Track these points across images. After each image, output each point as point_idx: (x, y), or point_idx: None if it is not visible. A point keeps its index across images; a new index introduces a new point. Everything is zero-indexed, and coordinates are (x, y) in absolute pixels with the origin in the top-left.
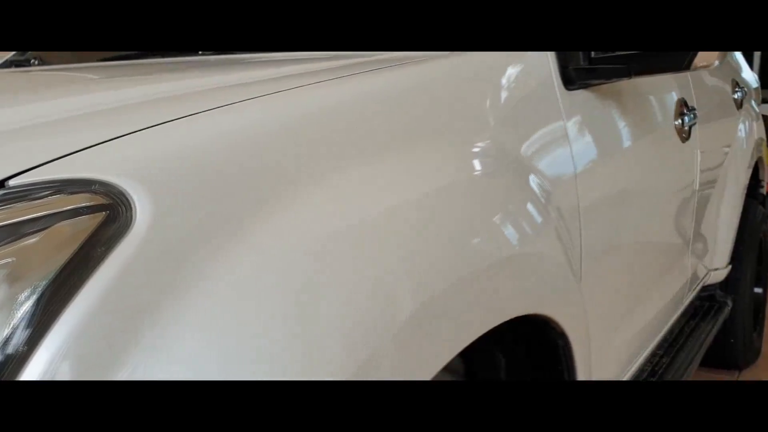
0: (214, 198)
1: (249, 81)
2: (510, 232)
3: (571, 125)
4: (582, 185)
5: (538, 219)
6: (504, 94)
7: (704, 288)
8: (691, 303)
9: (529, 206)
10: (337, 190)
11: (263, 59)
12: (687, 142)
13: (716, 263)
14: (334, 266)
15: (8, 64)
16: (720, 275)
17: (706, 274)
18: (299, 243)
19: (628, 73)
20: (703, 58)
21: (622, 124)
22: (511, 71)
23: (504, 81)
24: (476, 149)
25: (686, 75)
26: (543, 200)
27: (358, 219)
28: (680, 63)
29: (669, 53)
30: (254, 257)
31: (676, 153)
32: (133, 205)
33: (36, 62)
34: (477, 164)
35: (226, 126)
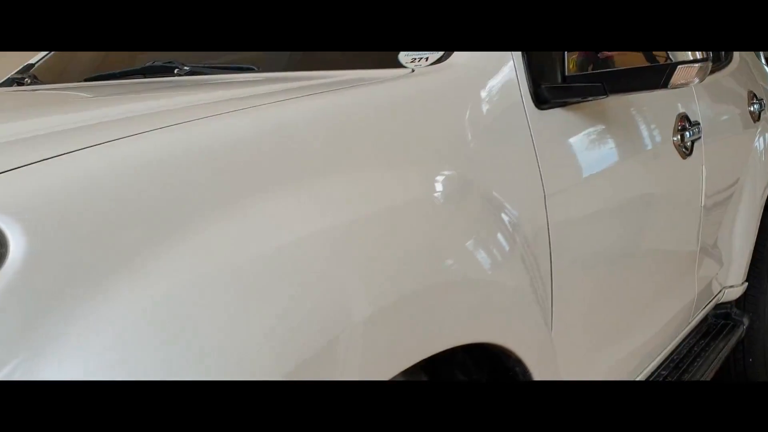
0: (104, 232)
1: (180, 106)
2: (459, 257)
3: (542, 146)
4: (553, 208)
5: (497, 244)
6: (464, 114)
7: (719, 305)
8: (704, 321)
9: (487, 230)
10: (251, 217)
11: (225, 81)
12: (689, 158)
13: (731, 280)
14: (240, 294)
15: (10, 82)
16: (735, 292)
17: (720, 291)
18: (196, 276)
19: (604, 91)
20: (681, 75)
21: (605, 143)
22: (474, 90)
23: (465, 100)
24: (430, 172)
25: (691, 89)
26: (504, 224)
27: (274, 245)
28: (657, 81)
29: (646, 70)
30: (146, 291)
31: (675, 170)
32: (6, 242)
33: (28, 81)
34: (428, 187)
35: (130, 155)
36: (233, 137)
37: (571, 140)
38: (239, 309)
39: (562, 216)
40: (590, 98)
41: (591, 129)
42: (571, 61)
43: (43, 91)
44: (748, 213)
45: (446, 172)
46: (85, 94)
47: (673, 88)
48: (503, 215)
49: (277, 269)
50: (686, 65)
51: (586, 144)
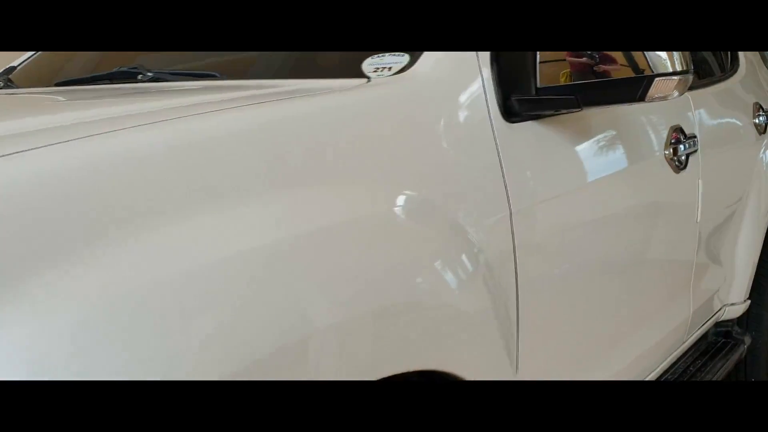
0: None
1: (99, 118)
2: (408, 280)
3: (510, 161)
4: (520, 226)
5: (455, 266)
6: (421, 128)
7: (719, 324)
8: (702, 339)
9: (443, 251)
10: (154, 238)
11: (175, 88)
12: (683, 172)
13: (733, 297)
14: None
15: None
16: (737, 310)
17: (721, 309)
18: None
19: (578, 104)
20: (659, 88)
21: (585, 157)
22: (435, 102)
23: (423, 113)
24: (375, 189)
25: (688, 101)
26: (463, 244)
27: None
28: (633, 94)
29: (621, 83)
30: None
31: (667, 184)
32: None
33: (1, 84)
34: (372, 204)
35: (29, 169)
36: (133, 153)
37: (546, 155)
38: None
39: (531, 234)
40: (564, 111)
41: (570, 143)
42: (564, 75)
43: (3, 95)
44: (751, 228)
45: (395, 189)
46: (42, 100)
47: (650, 102)
48: (463, 234)
49: (197, 291)
50: (664, 78)
51: (562, 158)
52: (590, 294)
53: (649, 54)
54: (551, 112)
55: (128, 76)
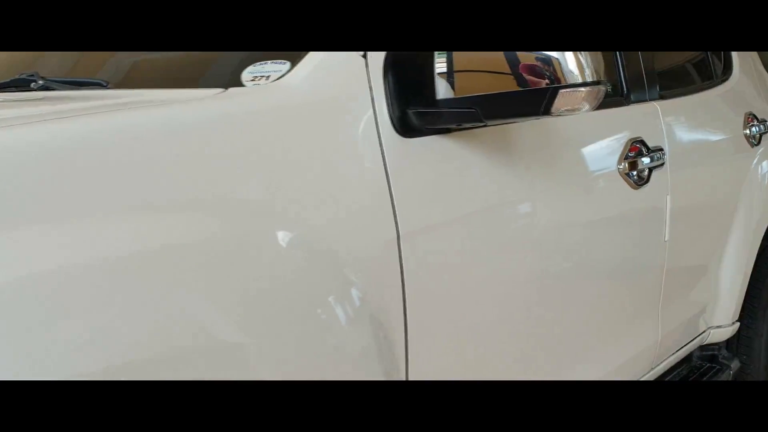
0: None
1: None
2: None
3: (401, 179)
4: (411, 250)
5: (321, 300)
6: (284, 141)
7: (704, 347)
8: (685, 363)
9: (306, 284)
10: None
11: (38, 98)
12: (644, 188)
13: (718, 319)
14: None
15: None
16: (724, 333)
17: (705, 331)
18: None
19: (479, 118)
20: (565, 101)
21: (504, 174)
22: (307, 115)
23: (287, 127)
24: (213, 214)
25: (656, 112)
26: (334, 273)
27: None
28: (537, 107)
29: (524, 95)
30: None
31: (622, 200)
32: None
33: None
34: (212, 230)
35: None
36: None
37: (454, 173)
38: None
39: (426, 259)
40: (467, 125)
41: (487, 159)
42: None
43: None
44: (739, 245)
45: (233, 213)
46: None
47: (559, 116)
48: (337, 262)
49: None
50: (570, 89)
51: (475, 176)
52: (507, 324)
53: (565, 65)
54: (451, 125)
55: (25, 84)
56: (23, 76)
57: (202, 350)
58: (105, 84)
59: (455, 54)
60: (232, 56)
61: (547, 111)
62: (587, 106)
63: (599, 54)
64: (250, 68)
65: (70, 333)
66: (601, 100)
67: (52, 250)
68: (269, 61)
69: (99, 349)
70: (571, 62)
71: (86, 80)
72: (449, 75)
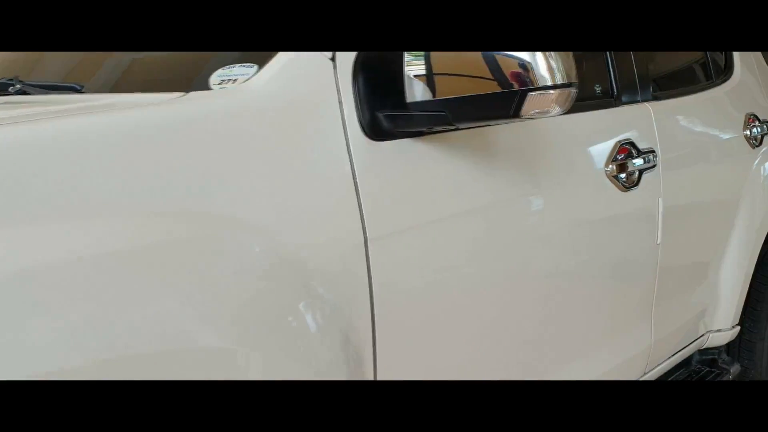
0: None
1: None
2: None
3: (368, 182)
4: (378, 255)
5: (285, 308)
6: (244, 149)
7: (704, 351)
8: (684, 367)
9: (268, 292)
10: None
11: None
12: (633, 190)
13: (718, 323)
14: None
15: None
16: (723, 337)
17: (703, 336)
18: None
19: (450, 121)
20: (535, 103)
21: (482, 177)
22: (271, 119)
23: (250, 132)
24: (154, 220)
25: (648, 113)
26: (299, 281)
27: None
28: (507, 110)
29: (493, 98)
30: None
31: (610, 203)
32: None
33: None
34: (156, 236)
35: None
36: None
37: (427, 175)
38: None
39: (396, 263)
40: (438, 128)
41: (463, 162)
42: None
43: None
44: (740, 248)
45: (188, 221)
46: None
47: (529, 119)
48: (300, 267)
49: None
50: (539, 92)
51: (451, 178)
52: (486, 336)
53: (535, 68)
54: (423, 129)
55: (3, 88)
56: (3, 80)
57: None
58: (79, 88)
59: (432, 56)
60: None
61: (516, 114)
62: (558, 109)
63: (570, 56)
64: (218, 72)
65: (35, 333)
66: (572, 103)
67: (8, 252)
68: (237, 65)
69: (62, 350)
70: (541, 65)
71: (62, 84)
72: (428, 78)
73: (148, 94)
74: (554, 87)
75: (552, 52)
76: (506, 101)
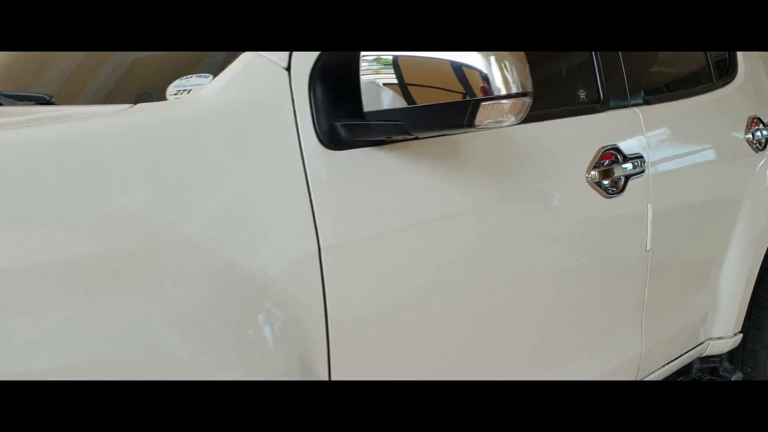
0: None
1: None
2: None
3: (323, 192)
4: (332, 265)
5: (228, 322)
6: (188, 156)
7: (705, 359)
8: (684, 375)
9: (209, 306)
10: None
11: None
12: (618, 197)
13: (718, 331)
14: None
15: None
16: (724, 345)
17: (702, 343)
18: None
19: (407, 130)
20: (489, 113)
21: (448, 185)
22: (219, 129)
23: (192, 143)
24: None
25: (637, 119)
26: (245, 294)
27: None
28: (461, 119)
29: (448, 107)
30: None
31: (592, 211)
32: None
33: None
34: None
35: None
36: None
37: (388, 184)
38: None
39: (351, 273)
40: (398, 138)
41: (429, 170)
42: None
43: None
44: (741, 254)
45: (129, 232)
46: None
47: (484, 129)
48: (250, 281)
49: None
50: (492, 101)
51: (414, 187)
52: (451, 350)
53: (490, 77)
54: (380, 138)
55: None
56: None
57: (113, 363)
58: (48, 99)
59: (400, 64)
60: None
61: (470, 124)
62: (513, 119)
63: (526, 65)
64: (175, 82)
65: None
66: (527, 112)
67: None
68: (194, 75)
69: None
70: (496, 75)
71: (31, 95)
72: (400, 87)
73: (99, 106)
74: (508, 96)
75: (508, 62)
76: (460, 111)
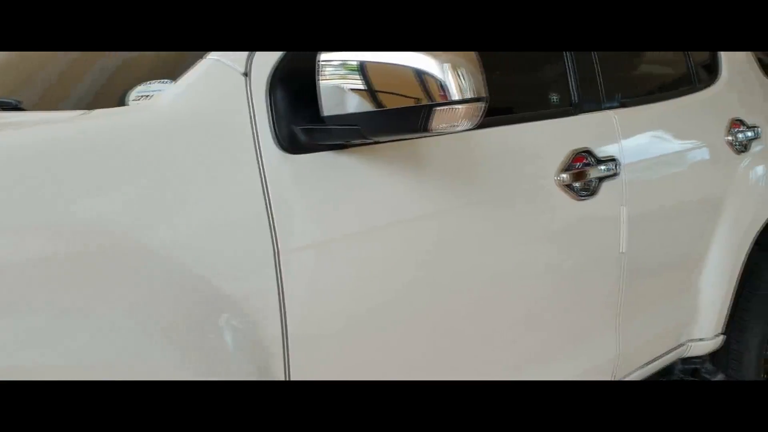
0: None
1: None
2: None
3: (281, 196)
4: (289, 268)
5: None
6: (142, 162)
7: (687, 360)
8: (664, 377)
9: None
10: None
11: None
12: (590, 200)
13: (699, 332)
14: None
15: None
16: (705, 347)
17: (683, 345)
18: None
19: (363, 135)
20: (443, 118)
21: (411, 187)
22: (173, 135)
23: (146, 149)
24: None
25: (611, 122)
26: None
27: None
28: (415, 124)
29: (402, 112)
30: None
31: (562, 213)
32: None
33: None
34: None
35: None
36: None
37: (349, 188)
38: None
39: (309, 277)
40: (356, 141)
41: (391, 173)
42: None
43: None
44: (723, 256)
45: (82, 237)
46: None
47: (439, 134)
48: (208, 286)
49: None
50: (446, 107)
51: (375, 190)
52: (415, 356)
53: (444, 82)
54: (339, 142)
55: None
56: None
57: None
58: (16, 104)
59: (367, 70)
60: None
61: (425, 128)
62: (467, 123)
63: (481, 71)
64: (138, 88)
65: None
66: (482, 117)
67: None
68: (156, 81)
69: None
70: (452, 80)
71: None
72: (370, 92)
73: (54, 112)
74: (461, 102)
75: (464, 69)
76: (415, 116)
